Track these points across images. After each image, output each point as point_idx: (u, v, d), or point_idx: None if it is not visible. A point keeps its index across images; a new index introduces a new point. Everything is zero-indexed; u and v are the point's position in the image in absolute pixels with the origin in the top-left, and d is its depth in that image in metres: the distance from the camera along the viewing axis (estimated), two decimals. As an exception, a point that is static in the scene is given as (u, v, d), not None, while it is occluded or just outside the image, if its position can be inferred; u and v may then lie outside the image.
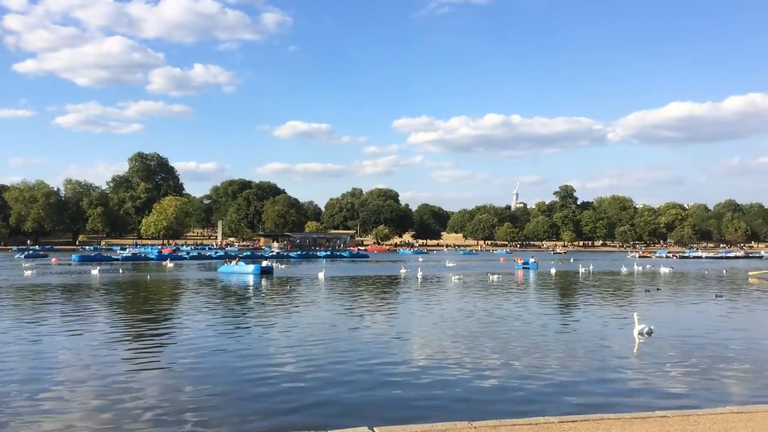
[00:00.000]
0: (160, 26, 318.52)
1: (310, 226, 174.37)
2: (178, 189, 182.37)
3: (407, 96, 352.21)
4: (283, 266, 64.90)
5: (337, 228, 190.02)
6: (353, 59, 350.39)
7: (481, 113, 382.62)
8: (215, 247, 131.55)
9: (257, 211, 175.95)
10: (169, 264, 68.18)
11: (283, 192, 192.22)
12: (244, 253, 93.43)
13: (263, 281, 44.48)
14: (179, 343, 18.19)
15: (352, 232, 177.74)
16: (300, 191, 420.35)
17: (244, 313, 25.70)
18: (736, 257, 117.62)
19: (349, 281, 45.57)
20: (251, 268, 52.31)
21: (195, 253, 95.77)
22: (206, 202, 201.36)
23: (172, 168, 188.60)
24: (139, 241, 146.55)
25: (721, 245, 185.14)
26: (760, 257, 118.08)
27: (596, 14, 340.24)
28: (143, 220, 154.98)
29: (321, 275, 48.45)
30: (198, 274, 53.62)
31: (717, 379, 13.86)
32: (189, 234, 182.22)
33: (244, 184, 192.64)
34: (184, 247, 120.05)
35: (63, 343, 17.86)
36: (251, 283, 43.29)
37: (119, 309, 27.29)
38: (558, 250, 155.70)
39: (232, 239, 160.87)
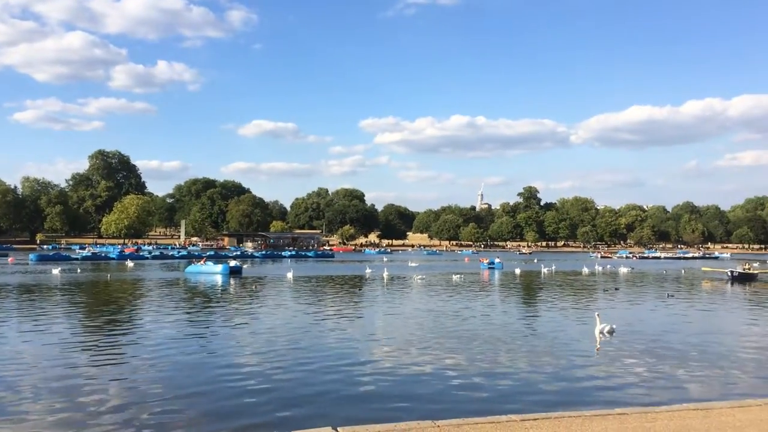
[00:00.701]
0: (122, 22, 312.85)
1: (275, 225, 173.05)
2: (140, 187, 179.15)
3: (374, 96, 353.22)
4: (246, 266, 64.37)
5: (302, 228, 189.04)
6: (319, 58, 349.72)
7: (447, 114, 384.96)
8: (178, 246, 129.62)
9: (221, 211, 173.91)
10: (131, 264, 66.99)
11: (248, 191, 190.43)
12: (208, 253, 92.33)
13: (232, 281, 43.95)
14: (142, 344, 17.86)
15: (317, 232, 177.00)
16: (265, 191, 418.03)
17: (210, 314, 25.36)
18: (693, 258, 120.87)
19: (316, 281, 45.39)
20: (219, 267, 51.67)
21: (157, 253, 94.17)
22: (169, 201, 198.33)
23: (134, 166, 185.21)
24: (99, 241, 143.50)
25: (679, 246, 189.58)
26: (716, 258, 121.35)
27: (560, 18, 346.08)
28: (104, 219, 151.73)
29: (290, 275, 48.22)
30: (161, 274, 52.73)
31: (674, 376, 14.20)
32: (151, 233, 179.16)
33: (208, 183, 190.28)
34: (146, 247, 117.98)
35: (21, 345, 17.40)
36: (219, 283, 42.73)
37: (80, 310, 26.65)
38: (523, 251, 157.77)
39: (195, 239, 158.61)
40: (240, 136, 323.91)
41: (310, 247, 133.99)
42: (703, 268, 58.52)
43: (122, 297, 32.62)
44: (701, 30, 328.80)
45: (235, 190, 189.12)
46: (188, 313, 25.73)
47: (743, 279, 49.38)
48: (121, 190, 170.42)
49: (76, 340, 18.37)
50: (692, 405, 9.64)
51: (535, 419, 8.29)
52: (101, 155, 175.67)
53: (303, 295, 34.07)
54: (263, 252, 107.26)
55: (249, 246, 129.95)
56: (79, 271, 53.66)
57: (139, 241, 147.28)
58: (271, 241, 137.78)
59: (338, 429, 7.59)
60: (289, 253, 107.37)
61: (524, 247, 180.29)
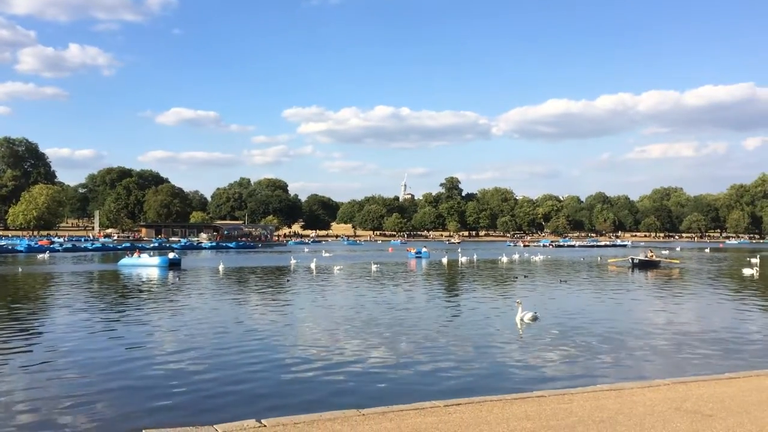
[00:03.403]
0: (31, 2, 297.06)
1: (195, 216, 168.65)
2: (49, 177, 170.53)
3: (298, 85, 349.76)
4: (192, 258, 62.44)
5: (224, 218, 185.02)
6: (242, 46, 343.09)
7: (372, 105, 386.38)
8: (92, 238, 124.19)
9: (138, 201, 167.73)
10: (44, 256, 63.70)
11: (167, 181, 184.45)
12: (123, 245, 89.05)
13: (170, 274, 42.18)
14: (53, 340, 17.02)
15: (240, 222, 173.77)
16: (185, 180, 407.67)
17: (133, 307, 24.42)
18: (606, 246, 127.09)
19: (244, 272, 44.65)
20: (157, 260, 49.76)
21: (69, 245, 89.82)
22: (82, 191, 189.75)
23: (43, 154, 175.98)
24: (4, 232, 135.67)
25: (590, 234, 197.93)
26: (624, 246, 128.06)
27: (482, 11, 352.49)
28: (10, 210, 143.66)
29: (221, 267, 47.02)
30: (86, 266, 50.42)
31: (590, 360, 14.83)
32: (62, 225, 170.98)
33: (124, 173, 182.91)
34: (57, 239, 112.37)
35: None
36: (156, 276, 40.93)
37: (-19, 306, 25.09)
38: (453, 240, 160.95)
39: (110, 230, 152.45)
40: (158, 124, 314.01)
41: (263, 239, 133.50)
42: (609, 260, 61.38)
43: (33, 292, 30.97)
44: (614, 27, 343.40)
45: (152, 180, 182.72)
46: (109, 307, 24.71)
47: (645, 266, 51.90)
48: (29, 180, 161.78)
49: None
50: (606, 386, 10.09)
51: (458, 404, 8.45)
52: (7, 142, 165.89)
53: (230, 287, 33.43)
54: (181, 243, 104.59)
55: (202, 237, 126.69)
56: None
57: (50, 232, 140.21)
58: (226, 232, 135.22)
59: (262, 421, 7.49)
60: (209, 244, 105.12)
61: (456, 236, 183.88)
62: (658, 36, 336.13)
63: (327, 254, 72.27)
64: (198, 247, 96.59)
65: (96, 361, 14.38)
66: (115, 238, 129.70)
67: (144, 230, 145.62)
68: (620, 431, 7.32)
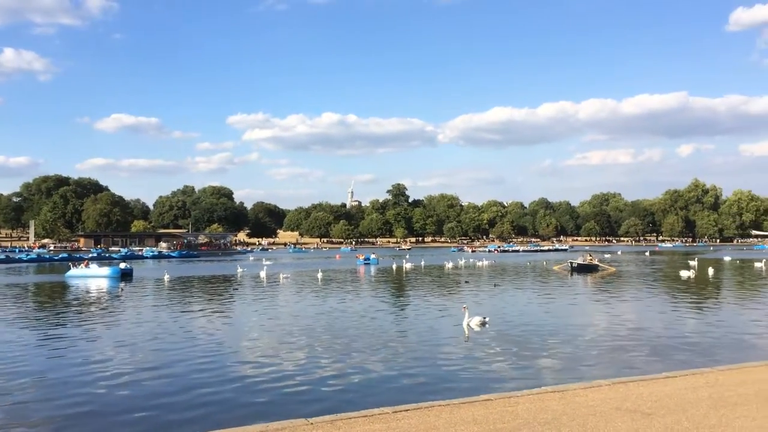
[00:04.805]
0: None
1: (137, 225, 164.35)
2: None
3: (243, 92, 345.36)
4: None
5: (167, 227, 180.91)
6: (186, 51, 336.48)
7: (318, 112, 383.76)
8: (26, 249, 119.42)
9: (76, 210, 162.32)
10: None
11: (106, 189, 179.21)
12: (61, 255, 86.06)
13: (122, 285, 40.74)
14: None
15: (184, 231, 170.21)
16: (126, 189, 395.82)
17: (74, 321, 23.60)
18: (548, 250, 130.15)
19: (189, 282, 43.68)
20: (107, 270, 48.14)
21: (3, 256, 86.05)
22: (16, 200, 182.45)
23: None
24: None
25: (532, 239, 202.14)
26: (565, 250, 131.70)
27: (427, 18, 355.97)
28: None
29: (166, 277, 45.80)
30: (12, 278, 48.32)
31: (534, 362, 15.12)
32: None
33: (61, 181, 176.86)
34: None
35: None
36: (105, 287, 39.47)
37: None
38: (403, 247, 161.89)
39: (47, 240, 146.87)
40: (97, 131, 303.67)
41: (223, 247, 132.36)
42: (554, 266, 62.87)
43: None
44: (555, 36, 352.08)
45: (91, 188, 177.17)
46: (48, 322, 23.78)
47: (583, 270, 53.22)
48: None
49: None
50: (550, 388, 10.28)
51: (407, 410, 8.48)
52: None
53: (177, 297, 32.66)
54: (121, 253, 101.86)
55: (162, 246, 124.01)
56: None
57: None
58: (185, 241, 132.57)
59: (208, 434, 7.33)
60: (150, 252, 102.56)
61: (406, 243, 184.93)
62: (597, 45, 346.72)
63: (267, 262, 67.80)
64: (139, 257, 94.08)
65: (25, 374, 13.83)
66: (52, 248, 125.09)
67: (82, 240, 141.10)
68: (564, 432, 7.48)
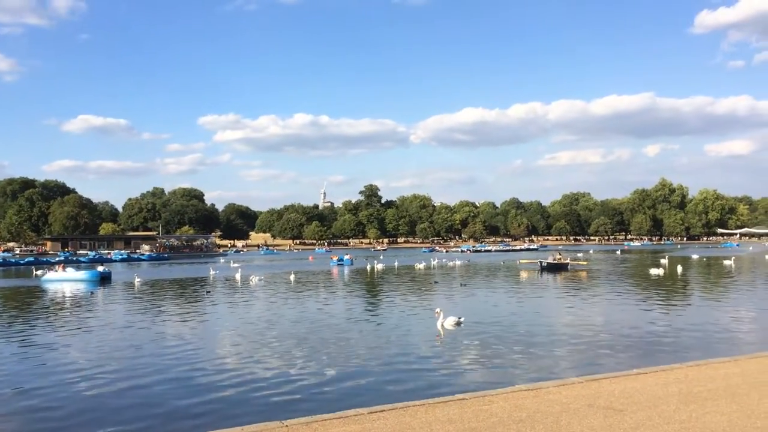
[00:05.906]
0: None
1: (105, 228, 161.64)
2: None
3: (214, 93, 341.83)
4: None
5: (136, 230, 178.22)
6: (155, 52, 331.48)
7: (290, 113, 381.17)
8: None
9: (42, 213, 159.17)
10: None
11: (74, 191, 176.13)
12: (27, 259, 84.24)
13: (101, 289, 39.95)
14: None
15: (154, 233, 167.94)
16: (94, 191, 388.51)
17: (40, 326, 23.12)
18: (519, 250, 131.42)
19: (160, 285, 43.09)
20: (86, 274, 47.23)
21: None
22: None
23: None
24: None
25: (504, 239, 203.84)
26: (535, 249, 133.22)
27: (397, 19, 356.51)
28: None
29: (137, 281, 45.07)
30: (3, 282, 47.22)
31: (508, 361, 15.24)
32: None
33: (27, 183, 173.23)
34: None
35: None
36: (83, 291, 38.68)
37: None
38: (378, 248, 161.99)
39: (12, 244, 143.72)
40: (64, 132, 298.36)
41: (204, 249, 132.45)
42: (521, 261, 63.66)
43: None
44: (525, 37, 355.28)
45: (58, 191, 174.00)
46: (23, 328, 23.26)
47: (553, 269, 53.76)
48: None
49: None
50: (524, 386, 10.37)
51: (382, 411, 8.47)
52: None
53: (148, 301, 32.22)
54: (89, 256, 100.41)
55: (145, 249, 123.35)
56: None
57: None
58: (167, 243, 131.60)
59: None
60: (119, 256, 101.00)
61: (380, 243, 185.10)
62: (566, 47, 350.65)
63: (235, 264, 66.78)
64: (108, 260, 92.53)
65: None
66: (17, 252, 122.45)
67: (49, 243, 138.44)
68: (538, 429, 7.55)
